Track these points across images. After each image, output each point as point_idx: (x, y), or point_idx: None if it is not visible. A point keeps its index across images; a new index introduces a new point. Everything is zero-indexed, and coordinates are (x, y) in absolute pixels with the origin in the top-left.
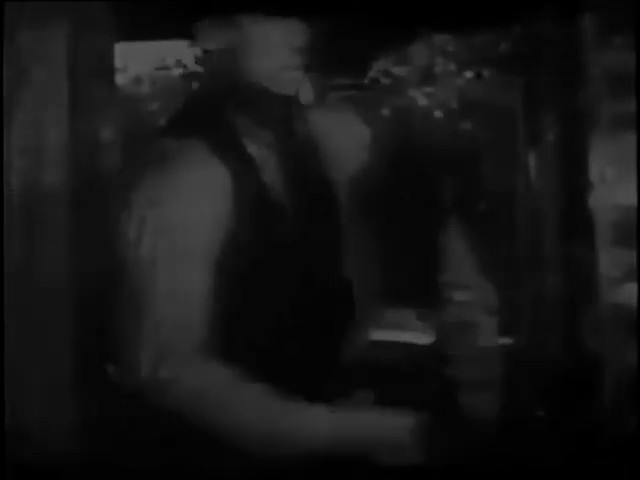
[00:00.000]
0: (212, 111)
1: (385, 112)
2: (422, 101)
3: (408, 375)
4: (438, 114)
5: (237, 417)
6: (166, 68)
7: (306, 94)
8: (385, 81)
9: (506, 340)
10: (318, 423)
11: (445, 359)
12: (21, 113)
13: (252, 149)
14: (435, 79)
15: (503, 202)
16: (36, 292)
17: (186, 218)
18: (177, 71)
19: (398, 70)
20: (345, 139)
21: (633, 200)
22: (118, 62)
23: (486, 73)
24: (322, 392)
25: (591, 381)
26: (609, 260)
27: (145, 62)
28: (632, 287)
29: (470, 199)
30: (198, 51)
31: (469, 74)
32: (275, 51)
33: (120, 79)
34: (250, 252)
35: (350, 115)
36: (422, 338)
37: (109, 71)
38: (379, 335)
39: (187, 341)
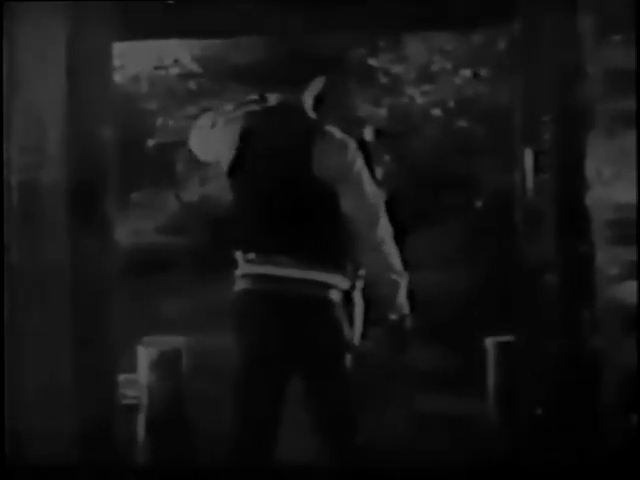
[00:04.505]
0: None
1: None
2: (419, 99)
3: None
4: (436, 112)
5: None
6: (164, 67)
7: None
8: (384, 79)
9: (506, 339)
10: None
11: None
12: (21, 112)
13: None
14: (432, 77)
15: (500, 199)
16: (37, 292)
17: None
18: (174, 70)
19: (396, 68)
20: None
21: (632, 198)
22: (117, 61)
23: (483, 72)
24: None
25: (591, 379)
26: (608, 258)
27: (143, 61)
28: (631, 285)
29: (468, 196)
30: (195, 50)
31: (466, 72)
32: None
33: (118, 78)
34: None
35: None
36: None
37: (108, 70)
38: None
39: None
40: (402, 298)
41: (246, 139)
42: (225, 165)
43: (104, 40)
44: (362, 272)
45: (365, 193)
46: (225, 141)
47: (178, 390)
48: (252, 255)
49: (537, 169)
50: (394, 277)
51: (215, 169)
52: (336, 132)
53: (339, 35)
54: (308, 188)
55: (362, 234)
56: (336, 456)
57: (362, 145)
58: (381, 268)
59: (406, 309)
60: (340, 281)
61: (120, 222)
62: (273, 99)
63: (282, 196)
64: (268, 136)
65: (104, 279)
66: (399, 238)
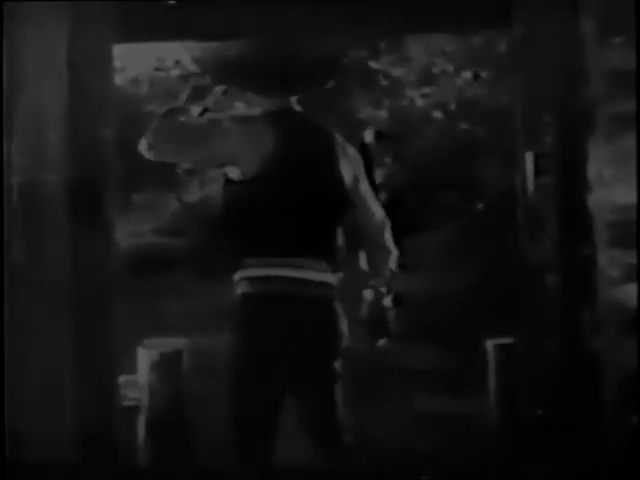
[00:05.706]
0: None
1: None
2: (420, 101)
3: None
4: (436, 114)
5: None
6: (164, 69)
7: None
8: (384, 82)
9: (507, 341)
10: None
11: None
12: (22, 113)
13: None
14: (433, 79)
15: (501, 201)
16: (37, 293)
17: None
18: (175, 72)
19: (397, 71)
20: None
21: (632, 199)
22: (117, 63)
23: (484, 73)
24: None
25: (591, 380)
26: (609, 259)
27: (143, 63)
28: (632, 287)
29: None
30: (195, 51)
31: (467, 74)
32: None
33: (119, 80)
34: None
35: None
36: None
37: (108, 72)
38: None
39: None
40: (388, 297)
41: (276, 144)
42: (247, 169)
43: (104, 41)
44: (339, 275)
45: (370, 202)
46: (244, 142)
47: (178, 392)
48: (261, 259)
49: (538, 171)
50: (394, 270)
51: (216, 171)
52: (345, 143)
53: (339, 37)
54: (332, 193)
55: (372, 238)
56: (334, 458)
57: (363, 147)
58: (384, 267)
59: (389, 303)
60: (335, 281)
61: (121, 223)
62: (272, 101)
63: (305, 201)
64: (288, 141)
65: (105, 280)
66: (400, 239)
